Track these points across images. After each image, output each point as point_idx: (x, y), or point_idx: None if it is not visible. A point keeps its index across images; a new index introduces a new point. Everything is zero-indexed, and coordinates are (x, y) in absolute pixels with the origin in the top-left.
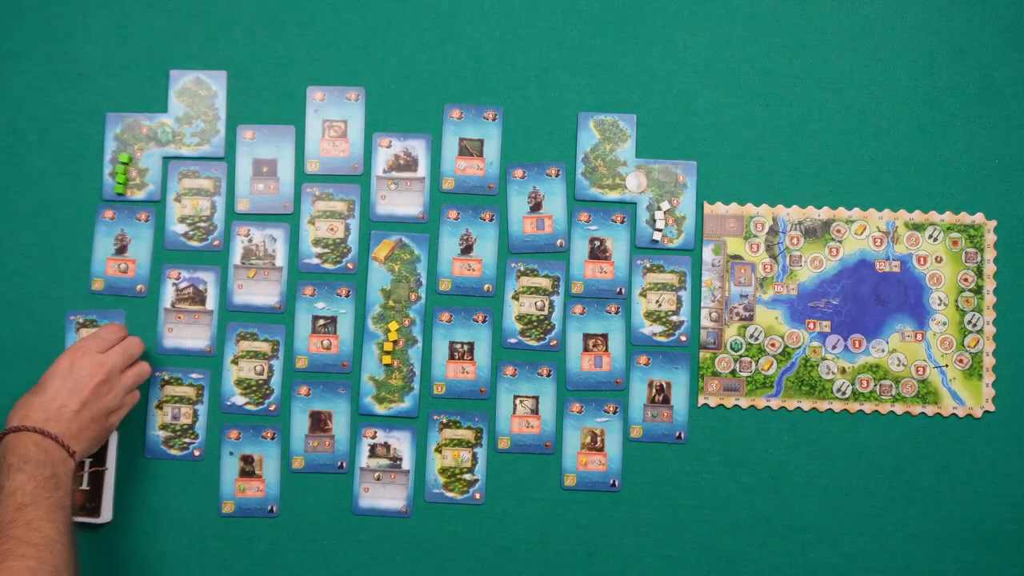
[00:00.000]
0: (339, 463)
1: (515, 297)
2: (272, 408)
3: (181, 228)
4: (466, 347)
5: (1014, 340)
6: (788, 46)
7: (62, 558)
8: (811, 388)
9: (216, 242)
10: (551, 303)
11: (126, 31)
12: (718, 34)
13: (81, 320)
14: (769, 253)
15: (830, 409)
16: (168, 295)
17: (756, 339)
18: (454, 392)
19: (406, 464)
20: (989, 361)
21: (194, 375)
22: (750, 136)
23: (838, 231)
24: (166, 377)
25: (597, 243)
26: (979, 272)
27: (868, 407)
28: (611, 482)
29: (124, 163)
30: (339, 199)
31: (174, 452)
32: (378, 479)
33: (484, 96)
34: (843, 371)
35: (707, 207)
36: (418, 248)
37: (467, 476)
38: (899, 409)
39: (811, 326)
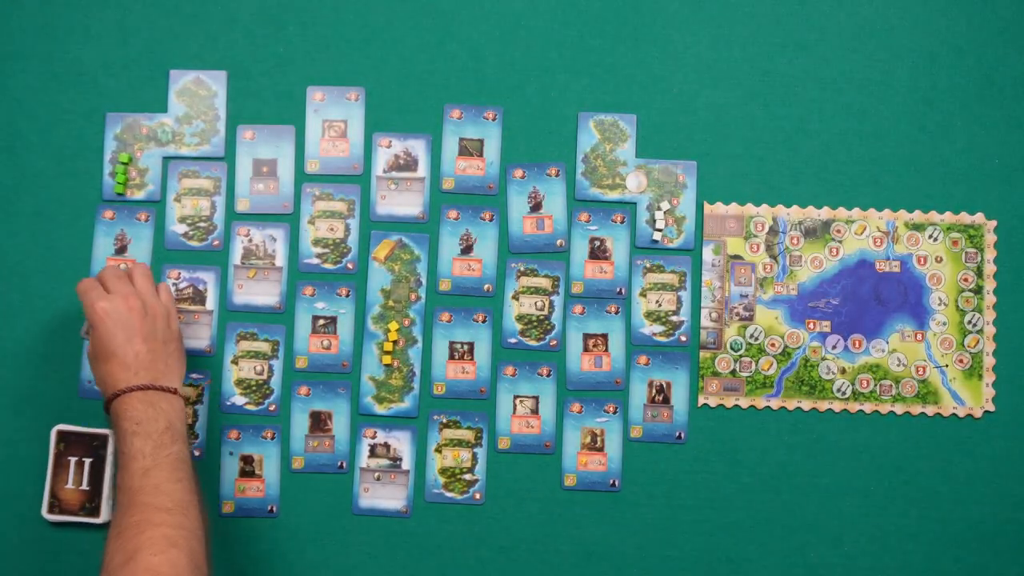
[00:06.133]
0: (339, 463)
1: (515, 297)
2: (272, 408)
3: (181, 228)
4: (466, 347)
5: (1014, 340)
6: (788, 46)
7: (195, 519)
8: (811, 388)
9: (216, 242)
10: (551, 303)
11: (126, 31)
12: (718, 34)
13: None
14: (769, 253)
15: (830, 409)
16: None
17: (756, 339)
18: (454, 392)
19: (406, 464)
20: (989, 361)
21: (194, 375)
22: (750, 136)
23: (838, 231)
24: None
25: (597, 243)
26: (979, 272)
27: (868, 407)
28: (611, 482)
29: (124, 163)
30: (339, 199)
31: None
32: (378, 479)
33: (484, 96)
34: (843, 371)
35: (707, 207)
36: (418, 248)
37: (467, 476)
38: (899, 409)
39: (811, 326)
